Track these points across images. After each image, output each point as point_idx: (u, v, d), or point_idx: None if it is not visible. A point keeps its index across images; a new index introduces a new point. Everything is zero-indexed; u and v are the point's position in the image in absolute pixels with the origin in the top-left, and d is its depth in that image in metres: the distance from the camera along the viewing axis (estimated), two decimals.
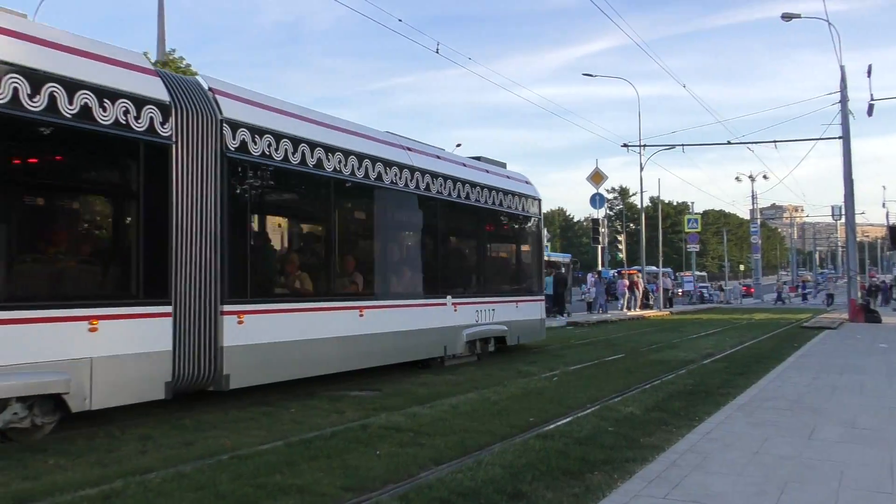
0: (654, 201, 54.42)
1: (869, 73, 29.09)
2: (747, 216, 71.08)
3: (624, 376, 12.29)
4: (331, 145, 10.88)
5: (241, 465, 6.15)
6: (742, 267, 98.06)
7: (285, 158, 10.03)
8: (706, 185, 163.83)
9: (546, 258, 36.97)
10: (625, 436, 7.52)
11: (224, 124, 9.08)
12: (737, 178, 61.51)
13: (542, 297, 17.59)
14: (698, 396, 10.14)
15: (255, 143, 9.53)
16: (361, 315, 11.28)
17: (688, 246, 54.45)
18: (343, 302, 11.11)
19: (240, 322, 9.03)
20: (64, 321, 7.18)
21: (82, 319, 7.34)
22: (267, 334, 9.49)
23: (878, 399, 9.54)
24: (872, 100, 29.01)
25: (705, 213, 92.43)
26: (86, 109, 7.48)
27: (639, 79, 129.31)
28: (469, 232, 15.41)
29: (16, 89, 6.88)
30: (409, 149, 13.12)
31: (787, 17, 29.02)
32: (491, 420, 8.29)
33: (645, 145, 38.53)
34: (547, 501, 5.40)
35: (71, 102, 7.34)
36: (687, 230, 51.50)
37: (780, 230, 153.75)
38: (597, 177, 36.08)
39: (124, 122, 7.85)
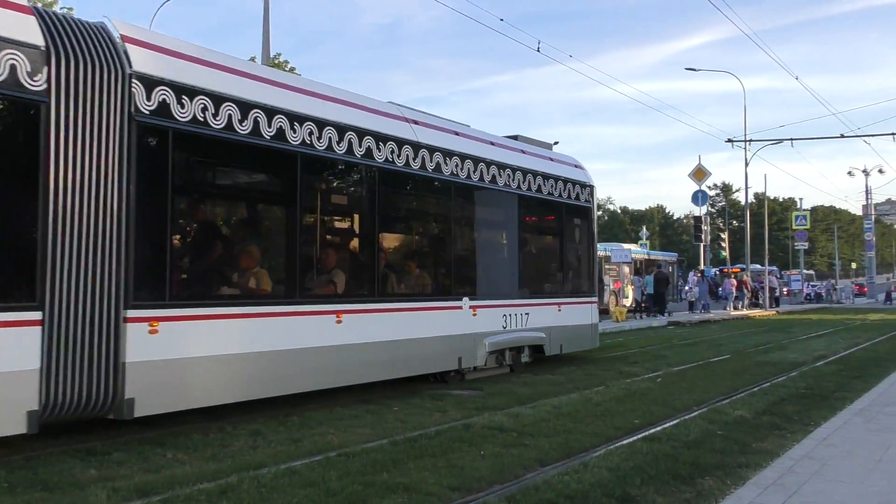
0: (759, 198, 52.71)
1: None
2: (859, 212, 67.96)
3: (731, 378, 11.93)
4: (298, 113, 8.90)
5: (349, 462, 6.25)
6: (854, 265, 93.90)
7: (229, 126, 8.06)
8: (815, 180, 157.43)
9: (645, 256, 36.42)
10: (735, 440, 7.29)
11: (134, 80, 7.16)
12: (849, 173, 58.67)
13: (594, 299, 15.30)
14: (812, 400, 9.75)
15: (183, 106, 7.61)
16: (339, 321, 9.24)
17: (795, 243, 52.45)
18: (312, 305, 9.04)
19: (152, 331, 7.22)
20: None
21: None
22: (194, 347, 7.63)
23: None
24: None
25: (814, 210, 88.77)
26: None
27: (744, 71, 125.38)
28: (495, 222, 13.10)
29: None
30: (413, 122, 10.94)
31: None
32: (594, 421, 8.17)
33: (751, 140, 37.46)
34: None
35: None
36: (795, 227, 49.62)
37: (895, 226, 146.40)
38: (699, 173, 35.20)
39: None
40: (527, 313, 12.79)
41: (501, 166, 12.42)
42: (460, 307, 11.30)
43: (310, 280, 9.37)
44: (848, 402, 9.34)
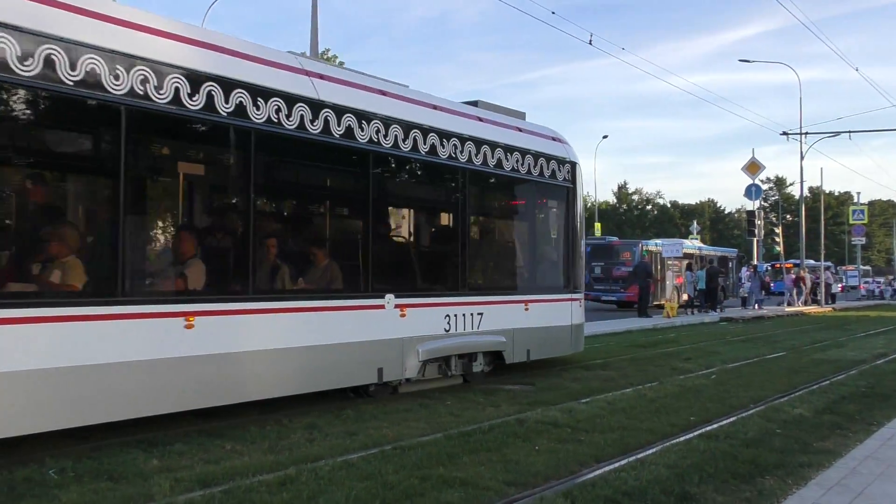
0: (815, 191, 51.57)
1: None
2: None
3: (788, 375, 11.71)
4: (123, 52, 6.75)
5: (404, 456, 6.29)
6: None
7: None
8: (874, 173, 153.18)
9: (696, 251, 35.83)
10: (795, 439, 7.16)
11: None
12: None
13: (576, 296, 12.76)
14: (874, 399, 9.53)
15: None
16: (189, 325, 7.21)
17: (851, 238, 51.20)
18: (150, 305, 7.01)
19: None
20: None
21: None
22: None
23: None
24: None
25: (871, 204, 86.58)
26: None
27: (799, 62, 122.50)
28: (435, 202, 11.17)
29: None
30: (318, 75, 8.84)
31: None
32: (650, 418, 8.10)
33: (806, 133, 36.64)
34: None
35: None
36: (852, 222, 48.39)
37: None
38: (753, 167, 34.50)
39: None
40: (480, 313, 10.62)
41: (444, 135, 10.15)
42: (382, 306, 9.19)
43: (147, 273, 7.66)
44: None
